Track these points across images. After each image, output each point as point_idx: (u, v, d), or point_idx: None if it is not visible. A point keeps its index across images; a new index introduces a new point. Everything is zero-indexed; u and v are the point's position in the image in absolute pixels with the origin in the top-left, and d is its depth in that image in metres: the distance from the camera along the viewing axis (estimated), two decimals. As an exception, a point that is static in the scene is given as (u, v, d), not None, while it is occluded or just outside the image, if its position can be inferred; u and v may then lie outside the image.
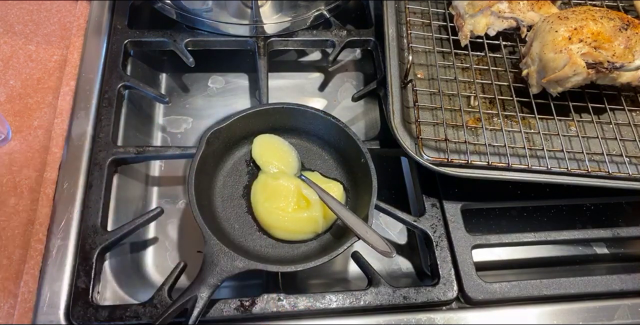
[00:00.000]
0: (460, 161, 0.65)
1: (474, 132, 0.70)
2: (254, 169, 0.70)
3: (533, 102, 0.71)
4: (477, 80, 0.75)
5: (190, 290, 0.55)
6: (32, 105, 0.74)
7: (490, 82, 0.74)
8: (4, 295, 0.61)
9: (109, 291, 0.65)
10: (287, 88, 0.93)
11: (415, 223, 0.67)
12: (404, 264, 0.76)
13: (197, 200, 0.60)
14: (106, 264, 0.66)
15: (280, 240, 0.65)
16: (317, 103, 0.91)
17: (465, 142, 0.67)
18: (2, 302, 0.60)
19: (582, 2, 0.84)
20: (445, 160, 0.65)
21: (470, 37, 0.77)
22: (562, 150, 0.67)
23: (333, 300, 0.60)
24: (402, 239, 0.78)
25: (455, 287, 0.63)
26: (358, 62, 0.97)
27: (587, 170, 0.65)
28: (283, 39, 0.83)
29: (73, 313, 0.59)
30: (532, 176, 0.65)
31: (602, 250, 0.77)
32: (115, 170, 0.72)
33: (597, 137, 0.69)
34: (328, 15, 0.85)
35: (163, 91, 0.90)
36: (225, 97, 0.91)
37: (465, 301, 0.63)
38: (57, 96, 0.74)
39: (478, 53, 0.77)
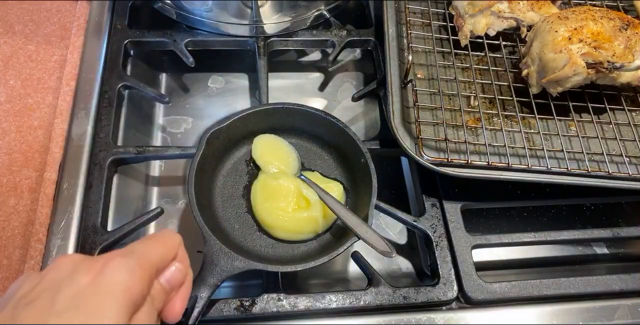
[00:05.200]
0: (460, 161, 0.65)
1: (474, 132, 0.70)
2: (254, 169, 0.70)
3: (533, 102, 0.71)
4: (477, 80, 0.75)
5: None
6: (32, 105, 0.74)
7: (490, 82, 0.74)
8: (4, 295, 0.60)
9: (109, 291, 0.65)
10: (287, 88, 0.93)
11: (415, 223, 0.67)
12: (404, 264, 0.76)
13: (197, 200, 0.60)
14: (106, 264, 0.66)
15: (280, 240, 0.65)
16: (317, 103, 0.91)
17: (465, 142, 0.67)
18: (2, 302, 0.60)
19: (582, 2, 0.84)
20: (445, 160, 0.65)
21: (470, 37, 0.77)
22: (562, 150, 0.67)
23: (333, 300, 0.60)
24: (402, 239, 0.78)
25: (455, 287, 0.63)
26: (358, 62, 0.97)
27: (587, 170, 0.65)
28: (283, 39, 0.83)
29: (73, 313, 0.58)
30: (532, 176, 0.65)
31: (602, 250, 0.77)
32: (115, 170, 0.72)
33: (597, 137, 0.69)
34: (328, 15, 0.85)
35: (163, 91, 0.90)
36: (225, 97, 0.91)
37: (465, 301, 0.63)
38: (57, 96, 0.74)
39: (478, 53, 0.77)
